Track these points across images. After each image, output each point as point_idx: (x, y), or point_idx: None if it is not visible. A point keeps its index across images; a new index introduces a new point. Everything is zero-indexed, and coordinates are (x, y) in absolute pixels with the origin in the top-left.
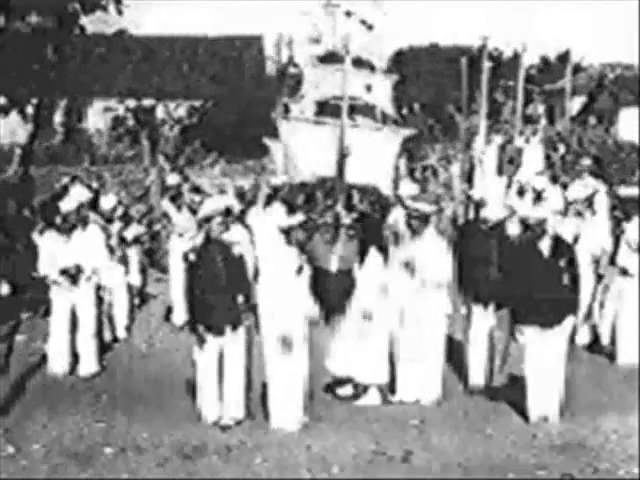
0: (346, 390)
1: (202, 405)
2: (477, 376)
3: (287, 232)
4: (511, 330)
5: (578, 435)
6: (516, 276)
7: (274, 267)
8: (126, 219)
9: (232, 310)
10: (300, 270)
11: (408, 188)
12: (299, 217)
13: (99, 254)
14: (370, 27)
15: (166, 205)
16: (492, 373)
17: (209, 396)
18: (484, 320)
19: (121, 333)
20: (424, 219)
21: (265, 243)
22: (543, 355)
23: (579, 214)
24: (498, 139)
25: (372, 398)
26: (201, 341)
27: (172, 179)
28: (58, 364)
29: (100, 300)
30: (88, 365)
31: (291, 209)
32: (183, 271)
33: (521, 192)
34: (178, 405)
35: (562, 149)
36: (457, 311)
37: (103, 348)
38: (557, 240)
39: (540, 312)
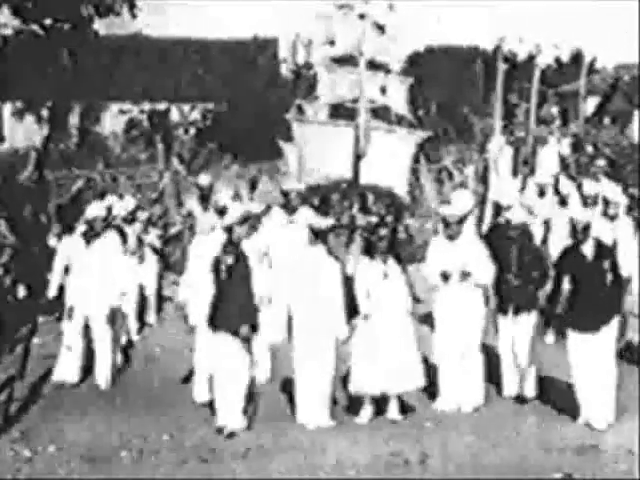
0: (365, 414)
1: (219, 410)
2: (511, 385)
3: (316, 233)
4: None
5: (595, 437)
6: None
7: (306, 266)
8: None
9: (250, 313)
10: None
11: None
12: (329, 220)
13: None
14: (382, 29)
15: (192, 205)
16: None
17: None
18: (511, 326)
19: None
20: (460, 222)
21: (289, 244)
22: (590, 359)
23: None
24: (501, 139)
25: (392, 412)
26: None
27: (204, 179)
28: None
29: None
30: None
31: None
32: (210, 272)
33: (542, 193)
34: (194, 408)
35: (590, 149)
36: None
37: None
38: (598, 243)
39: (587, 316)
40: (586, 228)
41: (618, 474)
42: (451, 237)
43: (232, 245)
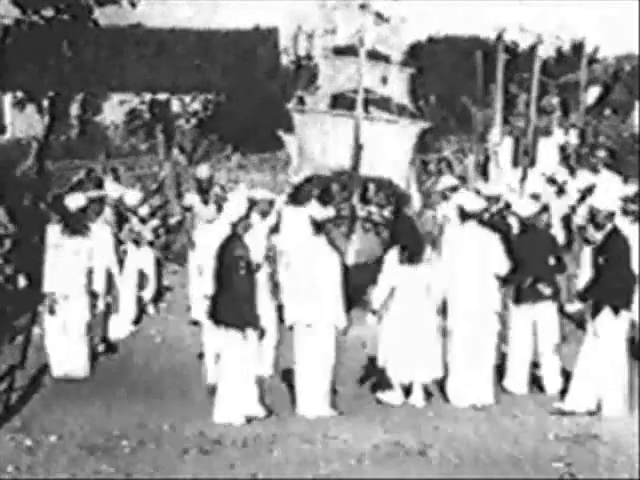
0: (391, 396)
1: (219, 405)
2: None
3: (318, 224)
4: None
5: (595, 428)
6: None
7: (306, 257)
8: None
9: (252, 308)
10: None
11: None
12: (331, 211)
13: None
14: (385, 19)
15: (191, 198)
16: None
17: (229, 397)
18: (524, 320)
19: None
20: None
21: (295, 235)
22: (599, 349)
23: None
24: (498, 131)
25: (417, 398)
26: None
27: (204, 172)
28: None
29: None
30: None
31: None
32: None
33: (552, 181)
34: (195, 398)
35: (600, 139)
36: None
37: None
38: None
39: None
40: (607, 218)
41: (617, 465)
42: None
43: (237, 238)
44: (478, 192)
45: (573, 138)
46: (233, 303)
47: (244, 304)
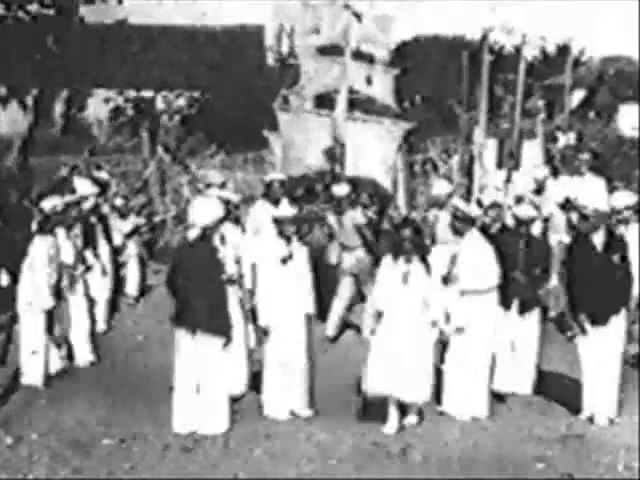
0: (390, 427)
1: (176, 414)
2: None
3: (279, 222)
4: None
5: (578, 428)
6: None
7: (267, 257)
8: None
9: (218, 311)
10: (288, 258)
11: (443, 187)
12: (292, 209)
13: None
14: (359, 18)
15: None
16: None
17: (185, 406)
18: (508, 324)
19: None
20: (469, 221)
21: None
22: (597, 352)
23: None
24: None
25: (411, 419)
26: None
27: (215, 177)
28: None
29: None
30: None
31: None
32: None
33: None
34: None
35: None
36: None
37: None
38: (610, 235)
39: (594, 308)
40: (598, 217)
41: (600, 466)
42: (458, 233)
43: (204, 239)
44: (479, 201)
45: (572, 140)
46: (205, 309)
47: (216, 311)
